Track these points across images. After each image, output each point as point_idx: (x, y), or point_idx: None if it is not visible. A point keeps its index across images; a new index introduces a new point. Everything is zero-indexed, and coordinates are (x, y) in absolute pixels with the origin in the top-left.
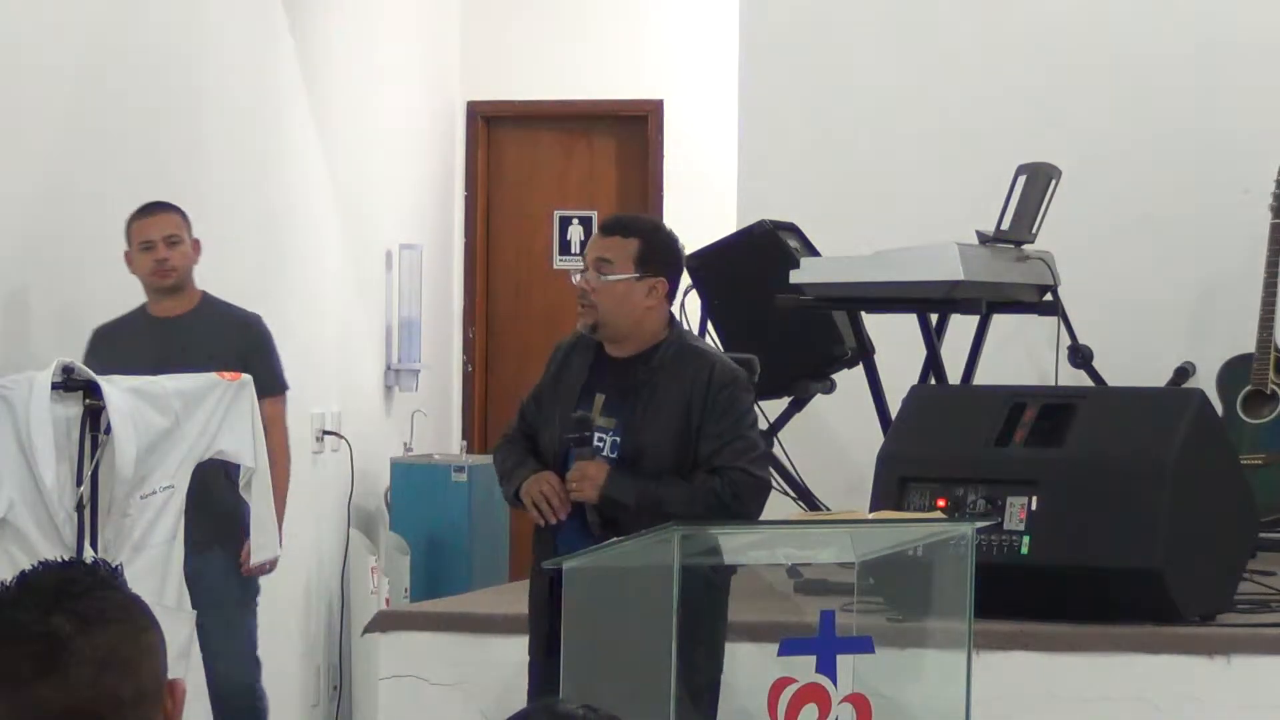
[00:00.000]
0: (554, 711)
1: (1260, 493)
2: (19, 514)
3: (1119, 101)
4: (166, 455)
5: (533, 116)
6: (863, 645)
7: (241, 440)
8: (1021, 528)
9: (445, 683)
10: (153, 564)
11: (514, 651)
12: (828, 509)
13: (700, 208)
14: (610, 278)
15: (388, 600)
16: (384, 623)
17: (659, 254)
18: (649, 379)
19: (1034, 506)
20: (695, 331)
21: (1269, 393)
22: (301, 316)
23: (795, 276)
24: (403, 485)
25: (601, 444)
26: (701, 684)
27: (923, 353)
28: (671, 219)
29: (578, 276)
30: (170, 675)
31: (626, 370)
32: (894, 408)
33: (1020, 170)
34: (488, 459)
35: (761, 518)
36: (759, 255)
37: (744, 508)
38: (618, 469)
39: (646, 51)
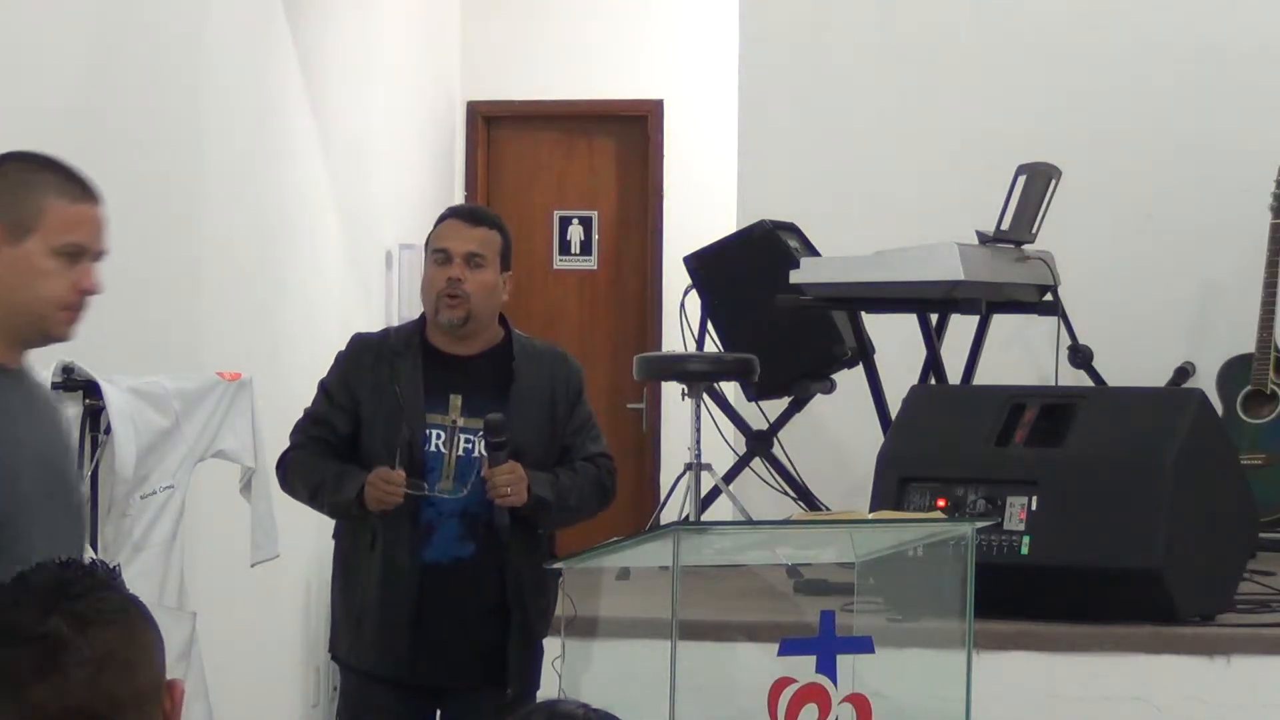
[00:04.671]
0: (554, 711)
1: (1260, 493)
2: None
3: (1119, 102)
4: (166, 455)
5: (533, 116)
6: (863, 645)
7: (242, 440)
8: (1021, 528)
9: None
10: (152, 564)
11: None
12: (828, 509)
13: (700, 207)
14: (482, 271)
15: None
16: None
17: (510, 250)
18: (513, 376)
19: (1034, 506)
20: (696, 331)
21: (1269, 393)
22: (301, 316)
23: (795, 276)
24: None
25: (470, 444)
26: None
27: (923, 353)
28: (671, 219)
29: (450, 265)
30: (169, 675)
31: (479, 369)
32: (894, 408)
33: (1020, 170)
34: None
35: (761, 518)
36: (759, 255)
37: (612, 492)
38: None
39: (646, 51)
